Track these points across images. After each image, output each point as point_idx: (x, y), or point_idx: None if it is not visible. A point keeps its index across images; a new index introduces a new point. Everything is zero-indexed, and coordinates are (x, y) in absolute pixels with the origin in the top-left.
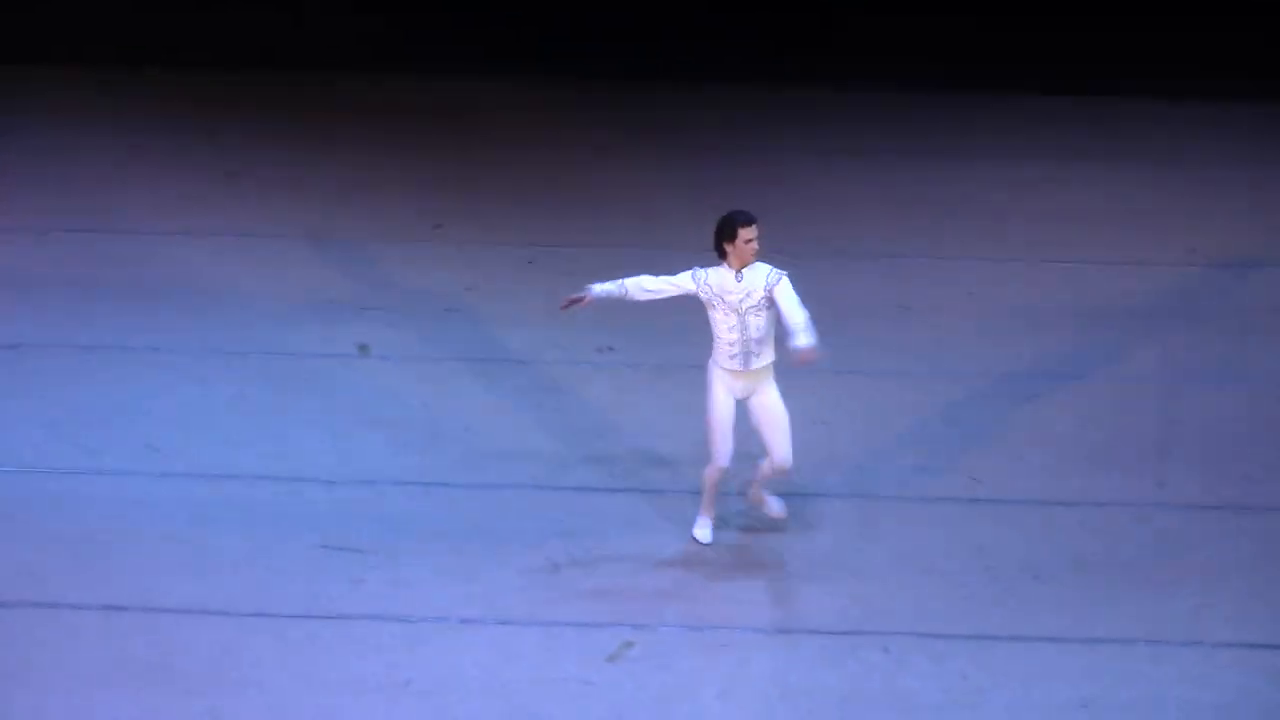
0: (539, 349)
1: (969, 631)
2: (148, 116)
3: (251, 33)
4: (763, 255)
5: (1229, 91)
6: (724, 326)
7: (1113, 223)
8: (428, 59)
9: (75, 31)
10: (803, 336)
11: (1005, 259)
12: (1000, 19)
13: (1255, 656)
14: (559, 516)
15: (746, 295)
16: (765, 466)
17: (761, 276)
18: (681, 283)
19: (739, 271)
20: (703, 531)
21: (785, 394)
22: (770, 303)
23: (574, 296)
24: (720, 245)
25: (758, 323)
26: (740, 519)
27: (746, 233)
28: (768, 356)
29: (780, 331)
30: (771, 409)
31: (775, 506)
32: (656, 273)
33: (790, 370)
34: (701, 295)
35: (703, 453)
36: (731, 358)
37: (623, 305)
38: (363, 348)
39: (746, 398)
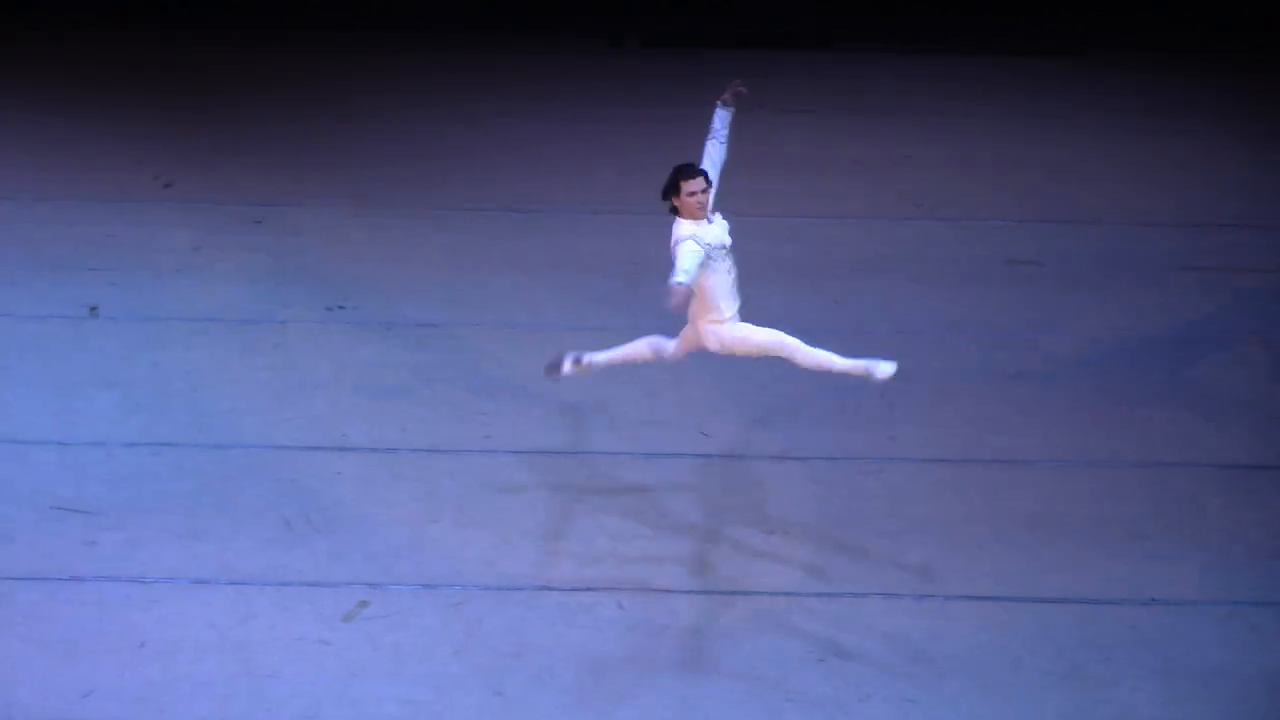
0: (268, 308)
1: (700, 587)
2: None
3: None
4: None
5: (944, 40)
6: (723, 271)
7: (835, 173)
8: (158, 15)
9: None
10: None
11: (732, 212)
12: None
13: (989, 609)
14: (291, 476)
15: (725, 228)
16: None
17: (722, 222)
18: (698, 250)
19: (708, 214)
20: (567, 363)
21: (505, 361)
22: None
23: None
24: (670, 200)
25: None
26: (469, 479)
27: (690, 185)
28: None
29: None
30: (765, 341)
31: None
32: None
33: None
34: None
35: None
36: (730, 304)
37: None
38: (93, 309)
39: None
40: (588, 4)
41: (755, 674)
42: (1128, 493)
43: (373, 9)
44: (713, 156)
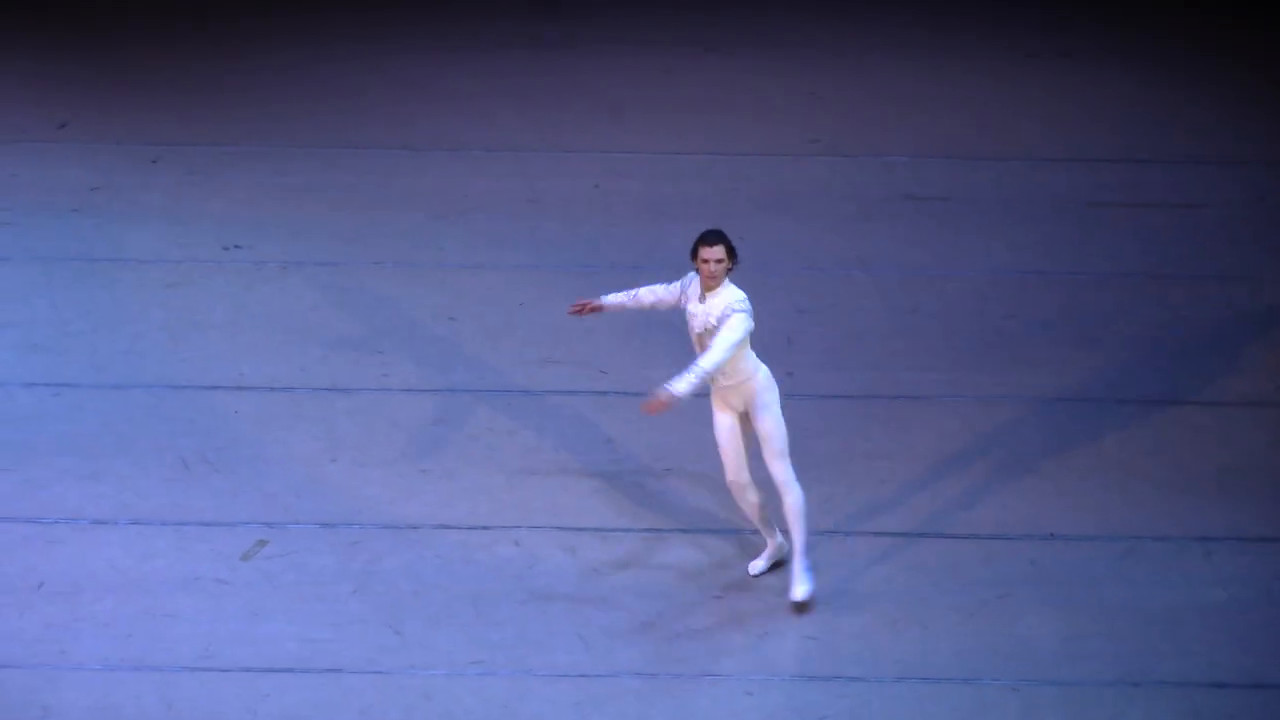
0: (164, 248)
1: (598, 524)
2: None
3: None
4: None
5: None
6: (693, 341)
7: (736, 113)
8: None
9: None
10: (680, 382)
11: (628, 151)
12: None
13: (890, 545)
14: (189, 415)
15: (705, 317)
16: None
17: (723, 300)
18: (673, 289)
19: (708, 291)
20: (755, 563)
21: (404, 301)
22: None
23: (586, 303)
24: (692, 261)
25: (707, 341)
26: (368, 418)
27: (705, 252)
28: (738, 375)
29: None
30: (765, 435)
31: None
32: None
33: (413, 273)
34: (683, 305)
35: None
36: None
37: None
38: None
39: (743, 411)
40: None
41: (652, 610)
42: (1028, 429)
43: None
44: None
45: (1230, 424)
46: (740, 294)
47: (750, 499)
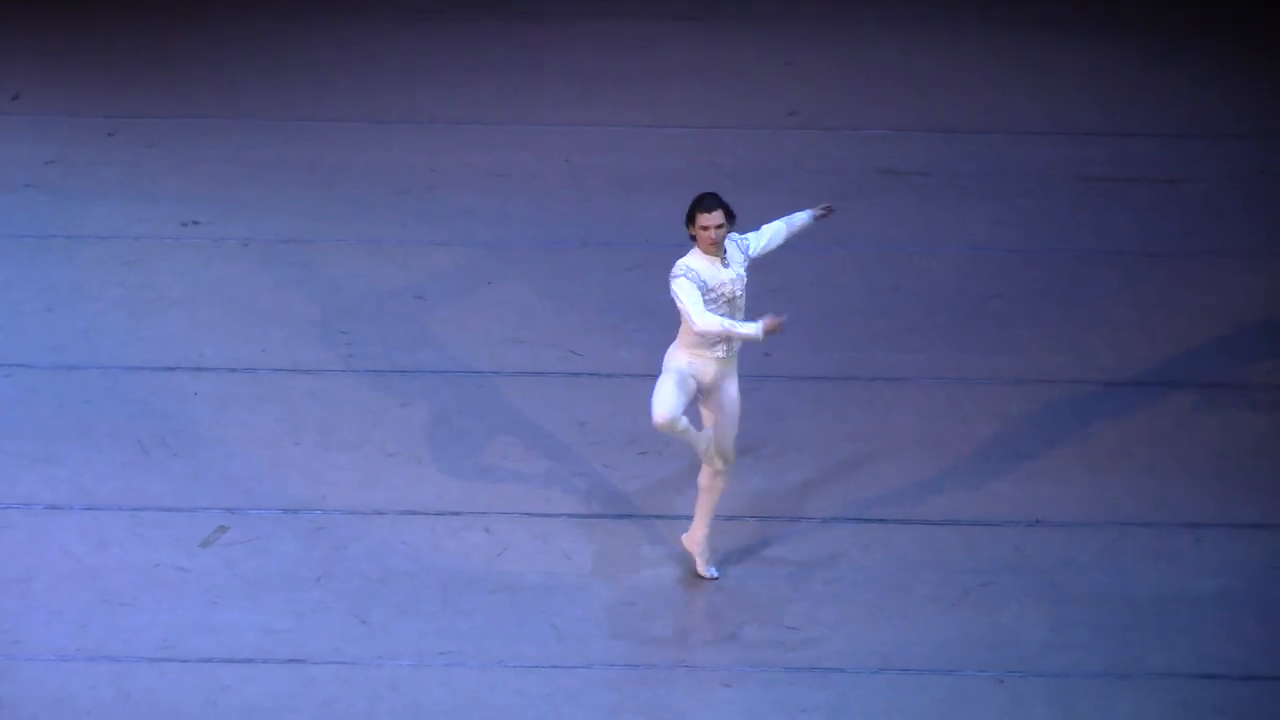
0: (122, 224)
1: (571, 510)
2: None
3: None
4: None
5: None
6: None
7: (711, 85)
8: None
9: None
10: (800, 216)
11: (600, 124)
12: None
13: (870, 531)
14: (146, 397)
15: (735, 280)
16: (706, 464)
17: (736, 250)
18: (694, 288)
19: (719, 258)
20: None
21: (369, 279)
22: (746, 268)
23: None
24: (688, 229)
25: (742, 304)
26: (332, 400)
27: (705, 219)
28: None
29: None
30: (733, 402)
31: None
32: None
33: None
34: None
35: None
36: (715, 345)
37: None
38: None
39: (712, 385)
40: None
41: (626, 599)
42: (1011, 411)
43: None
44: (773, 231)
45: (1223, 406)
46: (736, 235)
47: (682, 426)
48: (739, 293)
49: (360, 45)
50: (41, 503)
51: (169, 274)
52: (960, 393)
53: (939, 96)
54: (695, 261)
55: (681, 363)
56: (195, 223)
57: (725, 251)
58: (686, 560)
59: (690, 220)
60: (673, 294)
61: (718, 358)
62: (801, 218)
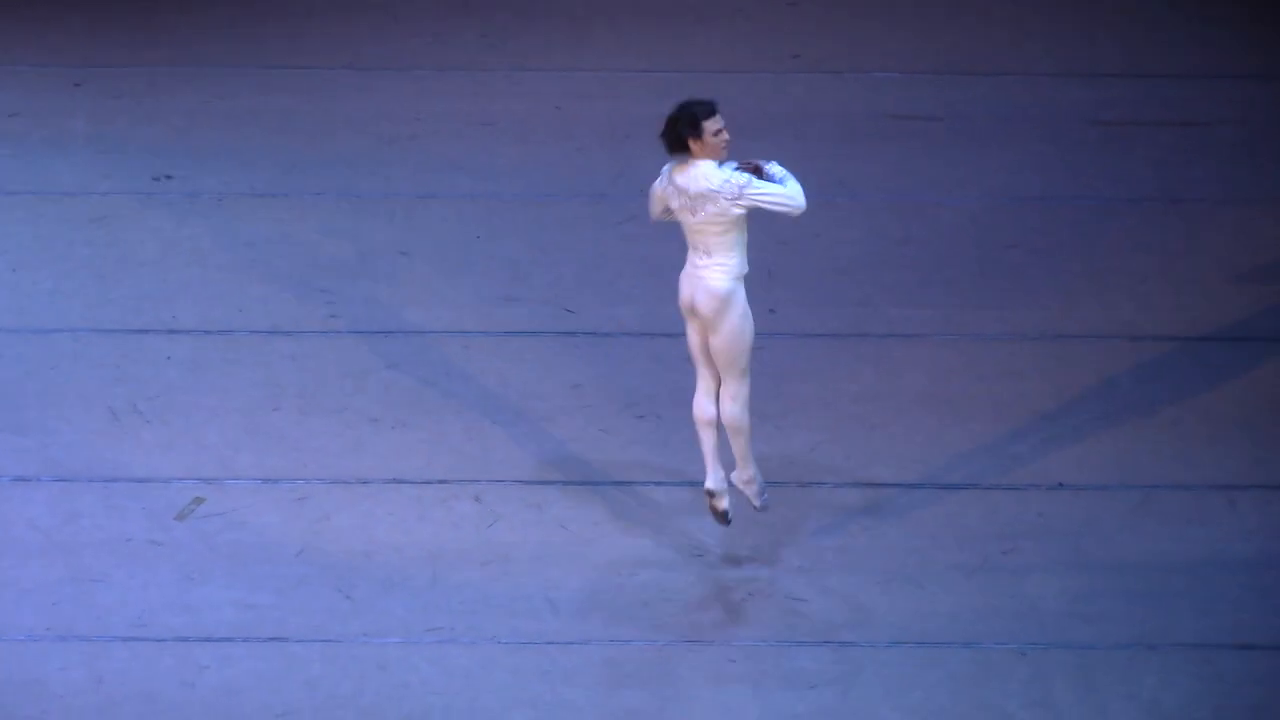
0: (90, 180)
1: (566, 477)
2: None
3: None
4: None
5: None
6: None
7: (709, 26)
8: None
9: None
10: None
11: (592, 69)
12: None
13: (883, 496)
14: (116, 362)
15: (698, 198)
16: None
17: (717, 179)
18: (657, 193)
19: (695, 162)
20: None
21: (351, 234)
22: (733, 221)
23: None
24: (683, 142)
25: (712, 229)
26: (312, 363)
27: (714, 123)
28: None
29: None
30: (724, 329)
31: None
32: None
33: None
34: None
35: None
36: (697, 251)
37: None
38: None
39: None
40: None
41: (625, 570)
42: (1030, 368)
43: None
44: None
45: (1254, 361)
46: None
47: (711, 435)
48: (697, 218)
49: None
50: (7, 475)
51: (139, 231)
52: (975, 349)
53: (950, 37)
54: (675, 169)
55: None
56: (167, 177)
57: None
58: (686, 530)
59: (696, 132)
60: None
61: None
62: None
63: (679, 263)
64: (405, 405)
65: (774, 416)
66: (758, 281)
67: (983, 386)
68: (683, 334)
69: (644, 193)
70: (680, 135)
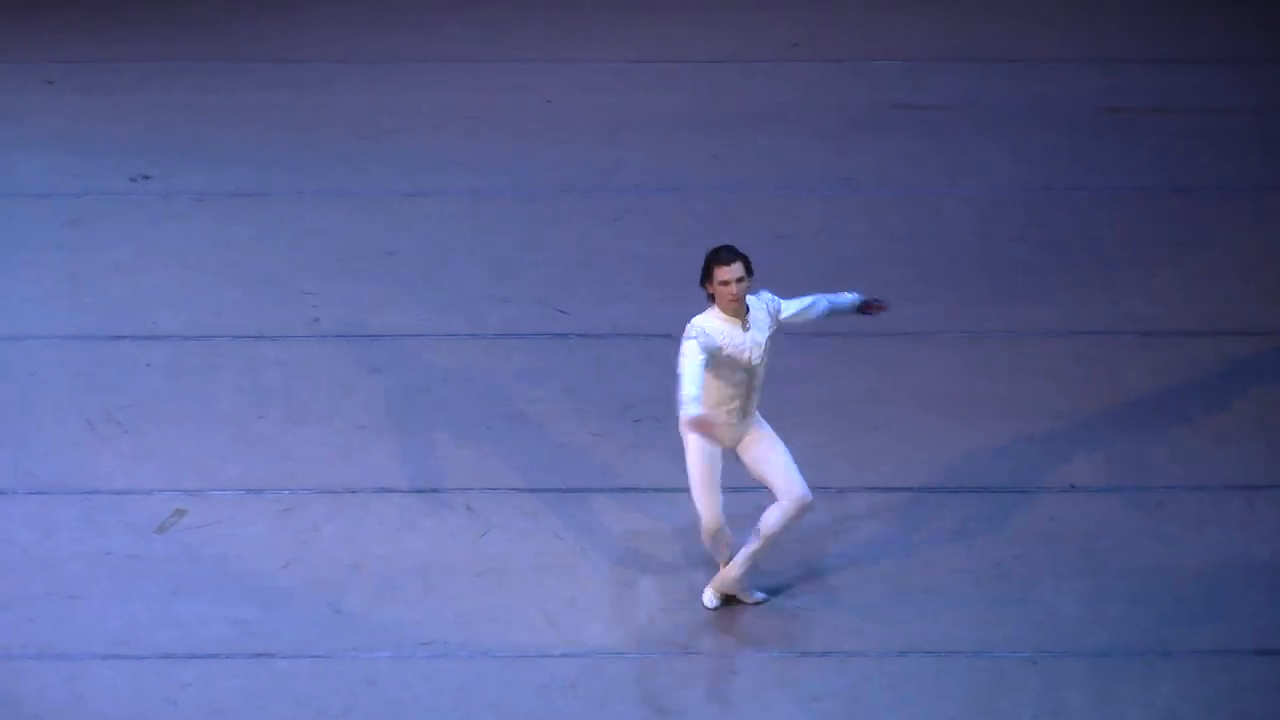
0: (63, 180)
1: (560, 484)
2: None
3: None
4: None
5: None
6: (727, 383)
7: (706, 14)
8: None
9: None
10: (844, 300)
11: (584, 60)
12: None
13: (891, 500)
14: (93, 370)
15: (754, 346)
16: (769, 520)
17: (762, 313)
18: (700, 353)
19: (742, 320)
20: (708, 594)
21: (336, 234)
22: (773, 340)
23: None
24: (704, 288)
25: (763, 370)
26: (297, 368)
27: (723, 273)
28: (759, 399)
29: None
30: (768, 445)
31: (755, 595)
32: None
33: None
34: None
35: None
36: (729, 413)
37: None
38: None
39: (735, 445)
40: None
41: (623, 580)
42: (1039, 366)
43: None
44: (812, 304)
45: (1271, 355)
46: (760, 295)
47: (726, 537)
48: (757, 360)
49: None
50: None
51: (115, 233)
52: (983, 347)
53: (954, 23)
54: (711, 322)
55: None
56: (144, 177)
57: (748, 312)
58: (684, 537)
59: (707, 277)
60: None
61: (730, 423)
62: (847, 300)
63: (674, 259)
64: (394, 411)
65: (775, 419)
66: (758, 279)
67: (991, 386)
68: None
69: (638, 188)
70: (702, 283)
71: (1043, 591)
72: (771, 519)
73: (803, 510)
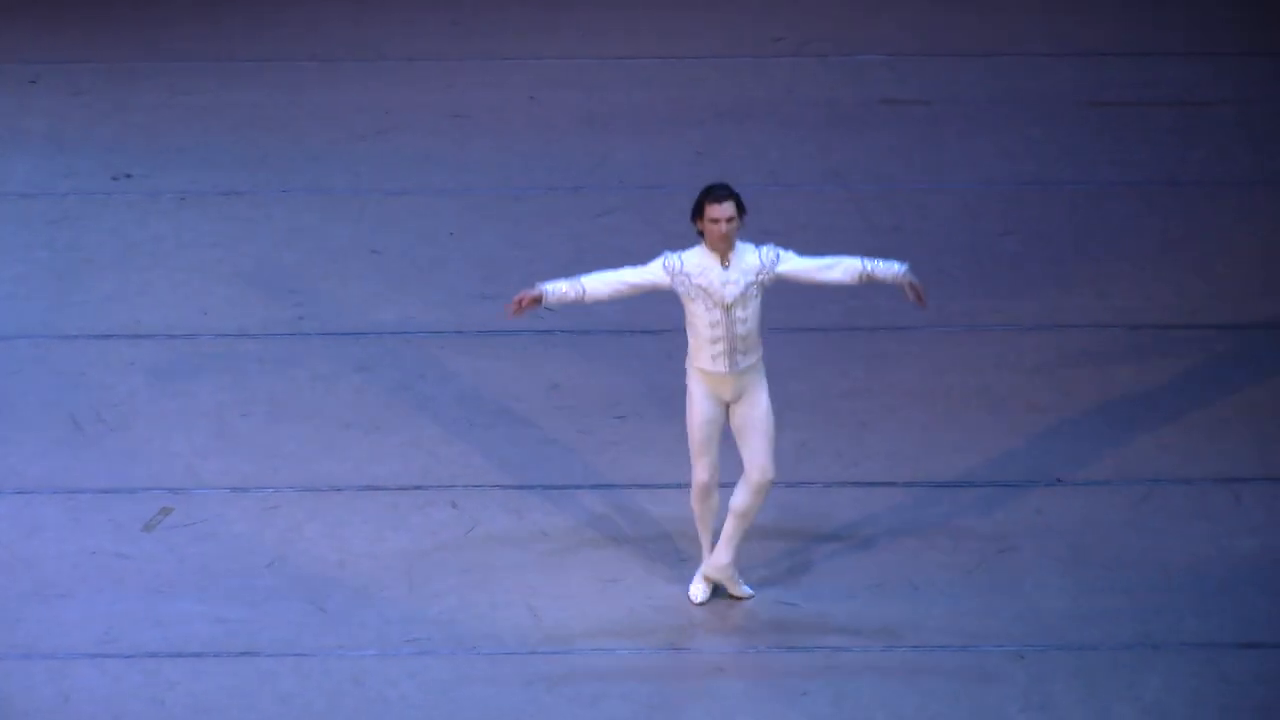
0: (47, 179)
1: (545, 481)
2: None
3: None
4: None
5: None
6: (704, 322)
7: (687, 10)
8: None
9: None
10: (883, 266)
11: (566, 57)
12: None
13: (875, 495)
14: (78, 369)
15: (732, 284)
16: (738, 498)
17: (753, 257)
18: (651, 275)
19: (724, 257)
20: (696, 588)
21: (320, 232)
22: (762, 289)
23: (526, 295)
24: (694, 224)
25: (745, 316)
26: (282, 366)
27: (714, 210)
28: (756, 352)
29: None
30: (757, 413)
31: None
32: (616, 265)
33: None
34: (677, 288)
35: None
36: (715, 359)
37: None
38: None
39: (734, 401)
40: None
41: (608, 576)
42: (1026, 360)
43: None
44: (829, 263)
45: (1257, 348)
46: (761, 246)
47: (714, 504)
48: (731, 300)
49: None
50: None
51: (99, 233)
52: (970, 341)
53: (939, 17)
54: (691, 256)
55: (695, 385)
56: (127, 176)
57: (734, 251)
58: (671, 534)
59: (698, 212)
60: (787, 257)
61: (718, 372)
62: (886, 269)
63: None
64: (378, 409)
65: None
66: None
67: (977, 380)
68: (664, 330)
69: (622, 184)
70: (692, 219)
71: (1029, 585)
72: (738, 497)
73: (762, 488)
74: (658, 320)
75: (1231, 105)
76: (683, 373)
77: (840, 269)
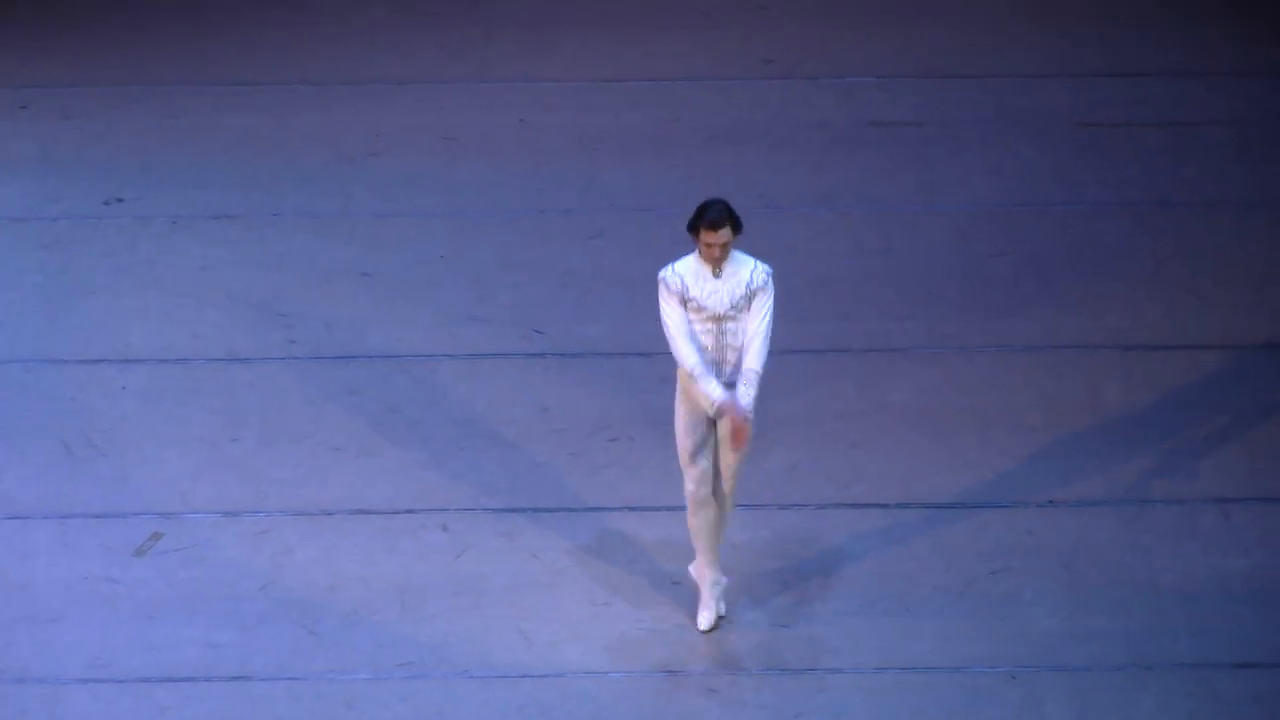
0: (38, 204)
1: (537, 504)
2: None
3: None
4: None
5: None
6: (697, 331)
7: (678, 33)
8: None
9: None
10: (745, 390)
11: (556, 79)
12: None
13: (867, 517)
14: (69, 393)
15: (723, 295)
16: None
17: (746, 271)
18: (674, 304)
19: (717, 269)
20: (704, 616)
21: (311, 255)
22: (749, 303)
23: (729, 410)
24: (690, 235)
25: (737, 328)
26: (273, 391)
27: (709, 236)
28: (737, 363)
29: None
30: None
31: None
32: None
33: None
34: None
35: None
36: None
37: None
38: None
39: (718, 415)
40: None
41: (601, 599)
42: (1018, 381)
43: None
44: (752, 334)
45: (1249, 368)
46: (758, 262)
47: (710, 517)
48: (722, 311)
49: (299, 2)
50: None
51: (91, 257)
52: (961, 363)
53: (930, 39)
54: (686, 264)
55: (682, 394)
56: (118, 200)
57: (729, 261)
58: (662, 556)
59: (694, 230)
60: (760, 297)
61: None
62: (745, 390)
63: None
64: (369, 432)
65: (753, 434)
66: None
67: (969, 401)
68: (655, 353)
69: (613, 206)
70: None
71: (1021, 606)
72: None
73: (722, 513)
74: (649, 343)
75: (1223, 125)
76: (674, 395)
77: (749, 346)
